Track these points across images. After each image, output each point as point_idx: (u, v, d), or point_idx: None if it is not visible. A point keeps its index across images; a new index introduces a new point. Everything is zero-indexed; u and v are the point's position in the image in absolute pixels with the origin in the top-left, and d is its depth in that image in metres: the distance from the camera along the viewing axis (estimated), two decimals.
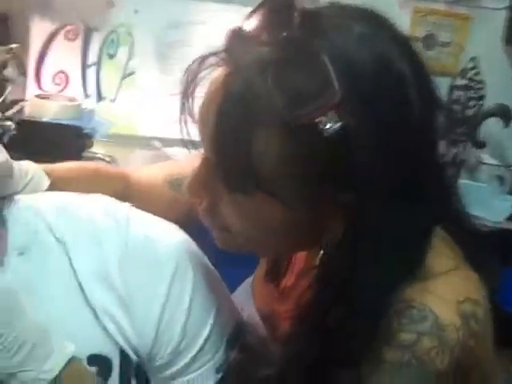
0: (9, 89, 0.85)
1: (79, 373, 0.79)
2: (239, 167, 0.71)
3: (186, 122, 0.76)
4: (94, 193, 0.90)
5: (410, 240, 0.74)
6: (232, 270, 0.97)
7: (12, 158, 0.87)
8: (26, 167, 0.95)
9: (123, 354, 0.82)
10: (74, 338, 0.80)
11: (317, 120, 0.67)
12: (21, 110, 1.74)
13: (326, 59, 0.68)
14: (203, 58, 0.75)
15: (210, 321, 0.85)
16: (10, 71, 0.83)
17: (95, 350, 0.81)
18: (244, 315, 0.95)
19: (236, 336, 0.88)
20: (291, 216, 0.74)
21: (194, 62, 0.75)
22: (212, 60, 0.75)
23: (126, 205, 0.89)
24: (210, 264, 0.90)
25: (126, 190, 1.01)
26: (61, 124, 1.69)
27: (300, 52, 0.69)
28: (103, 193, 0.90)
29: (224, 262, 0.93)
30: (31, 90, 2.08)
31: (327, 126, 0.67)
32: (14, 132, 0.79)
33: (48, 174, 0.95)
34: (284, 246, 0.81)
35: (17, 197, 0.86)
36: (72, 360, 0.77)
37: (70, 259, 0.82)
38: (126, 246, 0.83)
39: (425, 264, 0.75)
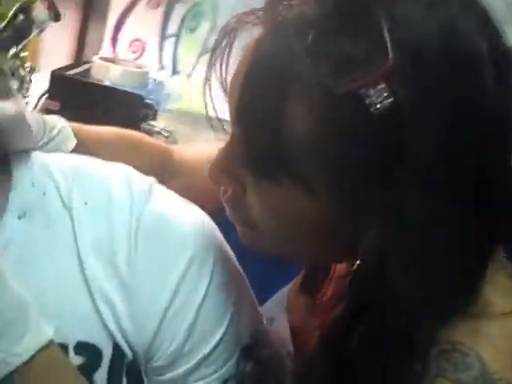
0: (34, 32, 0.75)
1: (56, 362, 0.68)
2: (266, 145, 0.61)
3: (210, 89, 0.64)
4: (128, 163, 0.81)
5: (467, 258, 0.61)
6: (269, 276, 0.88)
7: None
8: (53, 123, 0.86)
9: (116, 347, 0.71)
10: (63, 319, 0.70)
11: (363, 92, 0.56)
12: (87, 72, 1.68)
13: (382, 20, 0.57)
14: (239, 17, 0.65)
15: (225, 324, 0.75)
16: (38, 12, 0.73)
17: (84, 337, 0.71)
18: (273, 326, 0.85)
19: (253, 347, 0.77)
20: (322, 212, 0.63)
21: (229, 21, 0.65)
22: (249, 18, 0.64)
23: (151, 179, 0.79)
24: (234, 259, 0.80)
25: (165, 167, 0.94)
26: (121, 90, 1.61)
27: (351, 9, 0.58)
28: (138, 164, 0.81)
29: (261, 266, 0.84)
30: (106, 54, 2.02)
31: (375, 101, 0.55)
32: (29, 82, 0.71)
33: (79, 135, 0.89)
34: (314, 251, 0.69)
35: (33, 153, 0.77)
36: (49, 346, 0.66)
37: (73, 229, 0.73)
38: (137, 223, 0.73)
39: (482, 298, 0.62)
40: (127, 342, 0.71)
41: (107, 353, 0.71)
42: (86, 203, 0.74)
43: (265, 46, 0.61)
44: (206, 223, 0.78)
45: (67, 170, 0.76)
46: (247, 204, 0.67)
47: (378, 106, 0.55)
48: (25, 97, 1.49)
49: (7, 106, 0.71)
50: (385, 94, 0.56)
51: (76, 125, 0.91)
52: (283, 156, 0.61)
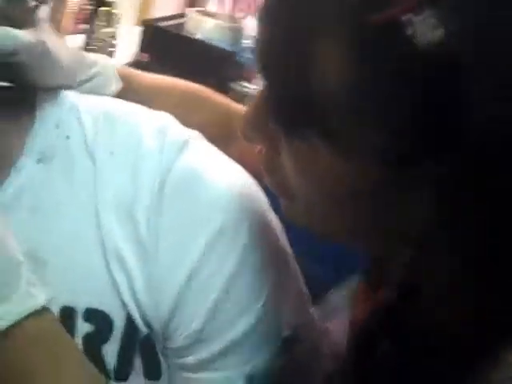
0: None
1: (47, 333, 0.58)
2: (292, 95, 0.50)
3: None
4: (183, 118, 0.70)
5: None
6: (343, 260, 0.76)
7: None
8: (94, 61, 0.77)
9: (129, 319, 0.63)
10: (74, 280, 0.63)
11: (404, 19, 0.43)
12: (180, 25, 1.60)
13: None
14: None
15: (256, 310, 0.64)
16: None
17: (95, 303, 0.62)
18: (329, 324, 0.74)
19: (293, 341, 0.65)
20: (360, 179, 0.51)
21: None
22: None
23: (193, 132, 0.69)
24: (280, 234, 0.69)
25: (229, 129, 0.82)
26: (212, 44, 1.51)
27: None
28: (196, 121, 0.72)
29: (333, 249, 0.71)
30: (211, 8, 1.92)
31: (420, 31, 0.42)
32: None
33: (128, 78, 0.80)
34: (355, 230, 0.57)
35: (63, 92, 0.69)
36: (39, 314, 0.57)
37: (95, 179, 0.65)
38: (164, 177, 0.64)
39: None
40: (141, 314, 0.62)
41: (119, 324, 0.62)
42: (111, 153, 0.66)
43: None
44: (247, 186, 0.67)
45: (98, 113, 0.68)
46: (282, 167, 0.55)
47: (423, 37, 0.42)
48: (112, 46, 1.43)
49: (24, 35, 0.62)
50: (432, 22, 0.42)
51: (126, 68, 0.81)
52: (312, 109, 0.49)
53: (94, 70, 0.76)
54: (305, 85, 0.48)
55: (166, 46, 1.53)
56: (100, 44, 1.43)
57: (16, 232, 0.60)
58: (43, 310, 0.57)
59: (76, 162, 0.66)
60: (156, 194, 0.64)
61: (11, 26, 0.62)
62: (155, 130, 0.67)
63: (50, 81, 0.68)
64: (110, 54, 1.44)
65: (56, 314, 0.61)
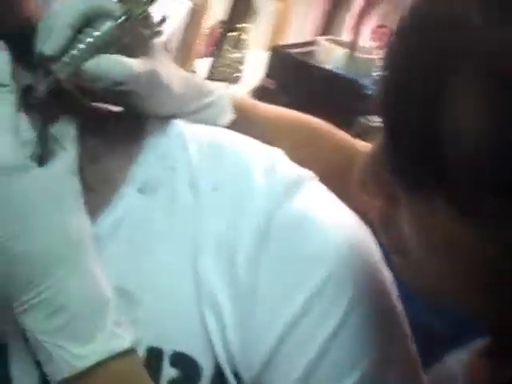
0: None
1: (129, 378, 0.56)
2: (414, 144, 0.45)
3: None
4: (298, 155, 0.67)
5: None
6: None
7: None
8: (210, 90, 0.74)
9: (218, 369, 0.59)
10: (164, 319, 0.60)
11: None
12: (310, 53, 1.56)
13: None
14: None
15: (356, 376, 0.58)
16: None
17: (184, 347, 0.59)
18: None
19: None
20: (490, 246, 0.45)
21: None
22: None
23: (307, 173, 0.65)
24: (391, 291, 0.63)
25: (350, 169, 0.76)
26: (341, 75, 1.46)
27: None
28: (312, 159, 0.67)
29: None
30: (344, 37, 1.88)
31: None
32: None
33: (241, 108, 0.75)
34: (475, 299, 0.51)
35: (173, 121, 0.67)
36: (123, 356, 0.55)
37: (196, 215, 0.62)
38: (270, 220, 0.60)
39: None
40: (231, 365, 0.59)
41: (207, 373, 0.59)
42: (215, 188, 0.63)
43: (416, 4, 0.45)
44: (360, 237, 0.62)
45: (205, 145, 0.65)
46: (399, 224, 0.50)
47: None
48: (238, 71, 1.41)
49: (135, 64, 0.61)
50: None
51: (243, 98, 0.77)
52: (440, 167, 0.43)
53: (208, 100, 0.72)
54: (434, 134, 0.42)
55: (293, 74, 1.50)
56: (226, 68, 1.41)
57: (109, 264, 0.59)
58: (127, 352, 0.55)
59: (178, 196, 0.63)
60: (259, 238, 0.60)
61: (123, 55, 0.60)
62: (265, 166, 0.63)
63: (160, 110, 0.66)
64: (236, 79, 1.42)
65: (142, 353, 0.58)
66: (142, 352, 0.59)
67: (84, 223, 0.58)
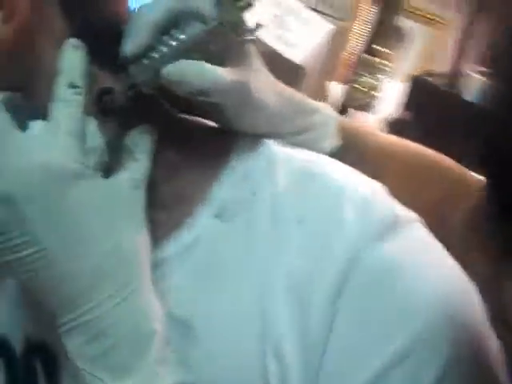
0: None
1: None
2: None
3: None
4: (408, 193, 0.58)
5: None
6: None
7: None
8: (314, 109, 0.67)
9: None
10: (217, 360, 0.55)
11: None
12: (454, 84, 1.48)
13: None
14: None
15: None
16: None
17: None
18: None
19: None
20: None
21: None
22: None
23: (410, 215, 0.57)
24: (495, 363, 0.53)
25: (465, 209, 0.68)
26: (483, 106, 1.37)
27: None
28: (425, 198, 0.64)
29: None
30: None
31: None
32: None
33: (351, 134, 0.69)
34: None
35: (263, 141, 0.62)
36: None
37: (272, 249, 0.56)
38: (355, 262, 0.53)
39: None
40: None
41: None
42: (299, 221, 0.57)
43: None
44: (460, 295, 0.53)
45: (297, 171, 0.59)
46: (501, 287, 0.41)
47: None
48: (373, 97, 1.36)
49: (222, 73, 0.56)
50: None
51: (354, 123, 0.72)
52: None
53: (310, 120, 0.66)
54: None
55: (435, 106, 1.42)
56: (361, 95, 1.37)
57: (171, 292, 0.56)
58: None
59: (256, 224, 0.58)
60: (339, 283, 0.53)
61: (210, 62, 0.56)
62: (359, 201, 0.56)
63: (250, 127, 0.61)
64: (371, 107, 1.37)
65: None
66: None
67: (142, 243, 0.54)
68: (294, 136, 0.65)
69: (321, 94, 1.47)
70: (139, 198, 0.56)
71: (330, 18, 1.56)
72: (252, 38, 0.58)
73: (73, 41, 0.55)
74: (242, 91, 0.58)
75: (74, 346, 0.51)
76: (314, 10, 1.57)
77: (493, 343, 0.54)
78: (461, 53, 1.83)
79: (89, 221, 0.53)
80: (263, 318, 0.55)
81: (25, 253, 0.51)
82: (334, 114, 0.69)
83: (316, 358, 0.53)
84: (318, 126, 0.67)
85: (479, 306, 0.54)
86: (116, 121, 0.57)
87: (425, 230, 0.57)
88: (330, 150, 0.67)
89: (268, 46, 1.45)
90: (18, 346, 0.61)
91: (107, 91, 0.56)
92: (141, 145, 0.57)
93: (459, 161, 0.79)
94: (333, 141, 0.67)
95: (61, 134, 0.54)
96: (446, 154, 0.77)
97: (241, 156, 0.60)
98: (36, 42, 0.55)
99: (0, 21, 0.55)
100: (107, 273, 0.52)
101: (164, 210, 0.59)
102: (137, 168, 0.56)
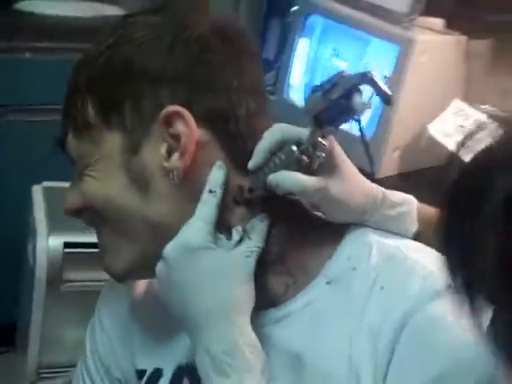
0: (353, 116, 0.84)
1: None
2: None
3: None
4: None
5: None
6: None
7: None
8: (397, 202, 0.88)
9: None
10: (320, 381, 0.79)
11: None
12: None
13: None
14: None
15: None
16: (357, 99, 0.81)
17: None
18: None
19: None
20: None
21: None
22: None
23: None
24: None
25: None
26: None
27: None
28: None
29: None
30: None
31: None
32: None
33: (427, 219, 0.87)
34: None
35: (365, 231, 0.86)
36: None
37: (363, 307, 0.80)
38: (408, 319, 0.77)
39: None
40: None
41: None
42: (382, 288, 0.79)
43: None
44: (473, 358, 0.74)
45: (385, 253, 0.82)
46: None
47: None
48: None
49: (308, 181, 0.80)
50: None
51: (429, 208, 0.88)
52: None
53: (392, 212, 0.86)
54: None
55: None
56: None
57: (291, 334, 0.81)
58: None
59: (354, 290, 0.81)
60: (399, 328, 0.76)
61: (301, 172, 0.79)
62: (424, 275, 0.79)
63: (338, 218, 0.84)
64: None
65: None
66: None
67: (241, 296, 0.79)
68: (380, 223, 0.86)
69: None
70: (250, 264, 0.80)
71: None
72: (323, 155, 0.79)
73: (219, 162, 0.82)
74: (325, 193, 0.80)
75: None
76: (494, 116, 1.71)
77: None
78: None
79: (210, 279, 0.79)
80: (350, 355, 0.78)
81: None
82: (413, 205, 0.87)
83: (380, 376, 0.75)
84: (398, 216, 0.86)
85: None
86: (245, 209, 0.83)
87: None
88: (411, 233, 0.86)
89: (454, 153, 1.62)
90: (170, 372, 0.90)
91: (240, 188, 0.83)
92: (256, 228, 0.81)
93: None
94: (412, 228, 0.87)
95: (196, 220, 0.80)
96: None
97: (348, 242, 0.84)
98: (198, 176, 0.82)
99: (178, 155, 0.81)
100: (211, 314, 0.78)
101: (291, 276, 0.83)
102: (249, 244, 0.80)
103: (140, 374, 0.93)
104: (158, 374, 0.91)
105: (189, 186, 0.82)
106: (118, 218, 0.84)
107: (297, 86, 2.02)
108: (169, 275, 0.81)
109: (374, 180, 1.79)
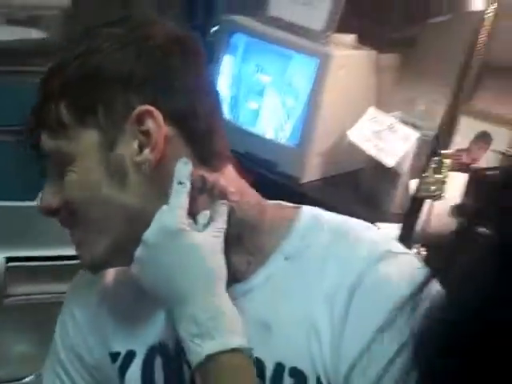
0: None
1: (236, 367, 0.86)
2: None
3: None
4: None
5: None
6: None
7: None
8: None
9: (319, 380, 0.88)
10: (285, 346, 0.90)
11: None
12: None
13: None
14: None
15: None
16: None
17: (297, 364, 0.89)
18: None
19: None
20: None
21: None
22: None
23: (404, 251, 0.95)
24: None
25: None
26: None
27: None
28: None
29: None
30: None
31: None
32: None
33: None
34: None
35: (319, 213, 1.00)
36: (232, 352, 0.85)
37: (318, 275, 0.92)
38: (362, 280, 0.89)
39: None
40: (327, 376, 0.88)
41: (312, 382, 0.88)
42: (334, 258, 0.92)
43: None
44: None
45: (333, 227, 0.96)
46: None
47: None
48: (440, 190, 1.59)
49: None
50: None
51: None
52: None
53: None
54: None
55: (489, 193, 1.63)
56: (431, 186, 1.62)
57: (258, 306, 0.92)
58: (235, 350, 0.85)
59: (310, 263, 0.93)
60: (352, 290, 0.88)
61: None
62: (371, 244, 0.92)
63: None
64: (439, 197, 1.62)
65: (272, 366, 0.90)
66: (272, 365, 0.90)
67: (218, 268, 0.90)
68: None
69: (406, 190, 1.80)
70: (220, 242, 0.90)
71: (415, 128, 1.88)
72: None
73: (184, 158, 0.91)
74: None
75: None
76: (403, 122, 1.89)
77: None
78: None
79: (190, 256, 0.88)
80: (310, 317, 0.89)
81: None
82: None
83: (339, 332, 0.87)
84: None
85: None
86: (207, 196, 0.93)
87: (411, 259, 0.93)
88: None
89: (370, 155, 1.84)
90: (172, 346, 0.96)
91: (203, 178, 0.94)
92: (219, 212, 0.92)
93: None
94: None
95: (171, 207, 0.89)
96: None
97: (302, 223, 0.96)
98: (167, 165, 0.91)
99: (149, 150, 0.90)
100: (197, 284, 0.88)
101: (250, 255, 0.94)
102: (217, 225, 0.91)
103: (114, 356, 1.01)
104: (131, 355, 0.99)
105: (159, 177, 0.92)
106: (98, 209, 0.93)
107: (223, 99, 2.14)
108: (151, 257, 0.90)
109: (298, 185, 1.92)
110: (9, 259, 1.85)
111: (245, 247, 0.95)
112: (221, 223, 0.92)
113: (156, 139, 0.90)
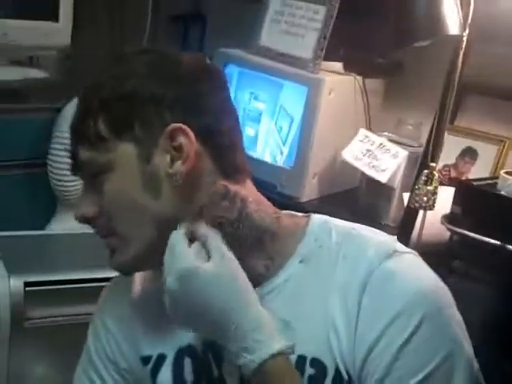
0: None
1: (283, 369, 0.94)
2: None
3: None
4: None
5: None
6: None
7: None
8: None
9: (337, 370, 0.96)
10: (307, 339, 0.98)
11: None
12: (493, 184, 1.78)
13: None
14: None
15: (422, 374, 0.93)
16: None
17: (317, 355, 0.98)
18: None
19: None
20: None
21: None
22: None
23: (407, 250, 1.04)
24: (453, 328, 0.97)
25: None
26: None
27: None
28: None
29: None
30: None
31: None
32: None
33: None
34: None
35: (327, 220, 1.09)
36: (278, 355, 0.93)
37: (333, 274, 1.00)
38: (371, 275, 0.98)
39: None
40: (344, 365, 0.96)
41: (331, 372, 0.97)
42: (344, 257, 1.01)
43: None
44: (432, 289, 0.98)
45: (342, 231, 1.05)
46: None
47: None
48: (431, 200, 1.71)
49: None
50: None
51: None
52: None
53: None
54: None
55: (476, 201, 1.74)
56: (423, 197, 1.75)
57: (278, 306, 1.00)
58: (280, 352, 0.94)
59: (322, 264, 1.02)
60: (364, 283, 0.97)
61: None
62: (377, 244, 1.01)
63: None
64: (431, 207, 1.74)
65: (294, 358, 0.97)
66: (294, 358, 0.96)
67: (244, 281, 0.97)
68: None
69: (400, 202, 1.93)
70: (231, 259, 0.99)
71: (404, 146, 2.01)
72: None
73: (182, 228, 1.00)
74: None
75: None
76: (392, 141, 2.03)
77: (457, 315, 0.98)
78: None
79: (213, 288, 0.96)
80: (326, 312, 0.98)
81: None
82: None
83: (353, 325, 0.96)
84: None
85: (448, 296, 0.98)
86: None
87: (415, 257, 1.02)
88: None
89: (364, 173, 1.98)
90: (200, 348, 1.05)
91: (225, 187, 1.03)
92: (213, 245, 0.99)
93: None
94: None
95: (187, 250, 0.98)
96: None
97: (313, 226, 1.06)
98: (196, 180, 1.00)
99: (181, 162, 0.98)
100: (233, 305, 0.96)
101: (270, 259, 1.03)
102: (224, 257, 0.99)
103: (145, 360, 1.09)
104: (162, 358, 1.07)
105: (188, 187, 0.99)
106: (133, 216, 1.00)
107: None
108: (179, 304, 0.97)
109: (298, 203, 2.02)
110: (26, 284, 1.92)
111: (265, 252, 1.03)
112: (217, 247, 0.99)
113: (188, 153, 0.98)
